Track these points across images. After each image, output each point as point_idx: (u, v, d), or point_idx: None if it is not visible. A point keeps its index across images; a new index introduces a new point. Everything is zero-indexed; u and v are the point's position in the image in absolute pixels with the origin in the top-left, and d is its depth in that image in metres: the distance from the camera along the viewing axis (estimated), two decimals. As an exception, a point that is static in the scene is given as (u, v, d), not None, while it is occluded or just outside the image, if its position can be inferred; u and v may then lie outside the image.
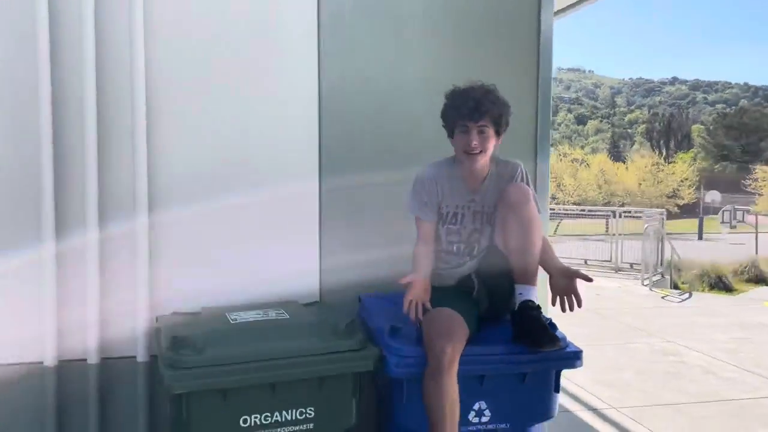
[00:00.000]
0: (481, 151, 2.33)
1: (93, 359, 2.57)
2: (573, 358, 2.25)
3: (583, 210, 20.40)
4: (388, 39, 2.93)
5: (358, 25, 2.88)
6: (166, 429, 2.34)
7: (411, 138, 2.93)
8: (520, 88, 3.03)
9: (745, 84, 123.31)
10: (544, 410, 2.31)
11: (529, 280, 2.26)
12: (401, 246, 2.60)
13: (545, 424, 2.41)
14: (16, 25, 2.50)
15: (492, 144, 2.37)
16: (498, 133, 2.38)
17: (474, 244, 2.44)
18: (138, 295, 2.60)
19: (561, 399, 4.31)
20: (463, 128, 2.34)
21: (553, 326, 2.33)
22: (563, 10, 5.57)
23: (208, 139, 2.73)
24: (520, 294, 2.25)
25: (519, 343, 2.23)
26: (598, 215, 19.45)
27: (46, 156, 2.48)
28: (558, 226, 22.23)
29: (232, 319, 2.30)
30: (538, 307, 2.25)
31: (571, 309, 2.27)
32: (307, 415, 2.15)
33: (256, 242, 2.79)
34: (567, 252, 12.80)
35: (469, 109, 2.30)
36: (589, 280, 2.29)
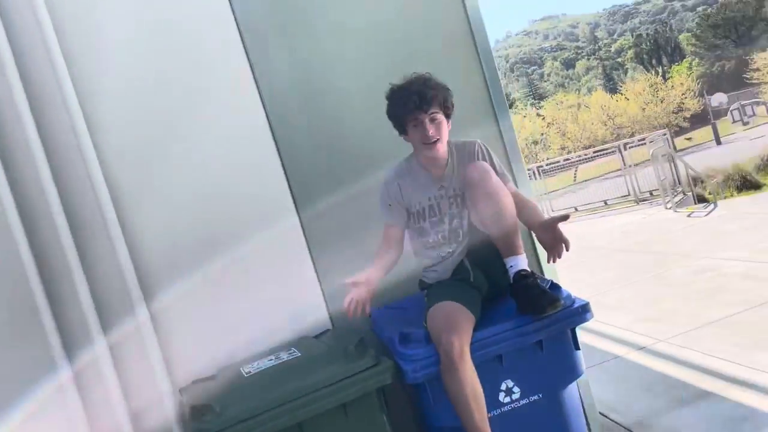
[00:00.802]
0: (438, 139, 2.36)
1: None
2: (581, 312, 2.23)
3: (595, 152, 20.17)
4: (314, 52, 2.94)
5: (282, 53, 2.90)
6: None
7: (372, 142, 2.91)
8: (461, 60, 3.02)
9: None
10: (570, 371, 2.30)
11: (514, 250, 2.26)
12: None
13: (580, 380, 2.40)
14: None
15: (445, 128, 2.40)
16: (448, 117, 2.41)
17: (457, 229, 2.45)
18: (159, 385, 2.65)
19: (608, 346, 4.29)
20: (415, 121, 2.37)
21: (555, 287, 2.32)
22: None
23: (178, 204, 2.77)
24: (511, 267, 2.26)
25: (524, 314, 2.22)
26: (610, 152, 19.21)
27: (34, 282, 2.57)
28: (576, 173, 22.00)
29: (246, 373, 2.32)
30: (532, 273, 2.24)
31: (560, 256, 2.26)
32: (342, 443, 2.16)
33: (256, 290, 2.81)
34: (586, 197, 12.67)
35: (416, 102, 2.33)
36: (565, 218, 2.30)
